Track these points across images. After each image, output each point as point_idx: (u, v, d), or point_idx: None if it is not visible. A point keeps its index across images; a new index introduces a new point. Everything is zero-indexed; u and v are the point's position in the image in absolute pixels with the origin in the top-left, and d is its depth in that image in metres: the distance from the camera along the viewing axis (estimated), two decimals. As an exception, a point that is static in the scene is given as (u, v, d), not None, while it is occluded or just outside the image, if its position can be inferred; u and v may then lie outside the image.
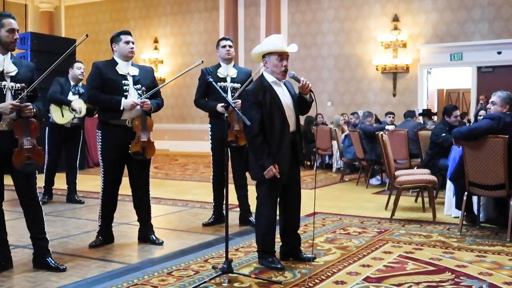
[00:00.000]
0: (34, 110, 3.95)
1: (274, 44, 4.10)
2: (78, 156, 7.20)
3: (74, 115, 6.77)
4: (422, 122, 10.87)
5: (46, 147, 6.91)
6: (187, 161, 14.23)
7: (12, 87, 3.92)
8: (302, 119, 4.51)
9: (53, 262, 4.07)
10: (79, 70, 6.93)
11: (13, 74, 3.95)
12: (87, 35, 4.36)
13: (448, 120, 7.02)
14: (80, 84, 6.98)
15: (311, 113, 4.60)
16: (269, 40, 4.20)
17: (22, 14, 19.10)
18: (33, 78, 4.08)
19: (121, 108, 4.65)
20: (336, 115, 13.14)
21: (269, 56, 4.10)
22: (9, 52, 4.01)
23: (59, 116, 6.79)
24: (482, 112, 8.09)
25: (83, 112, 6.81)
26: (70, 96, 6.80)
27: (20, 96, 3.89)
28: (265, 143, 4.01)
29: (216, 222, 5.67)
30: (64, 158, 7.23)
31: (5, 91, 3.89)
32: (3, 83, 3.90)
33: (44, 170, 6.89)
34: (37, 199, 4.09)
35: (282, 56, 4.08)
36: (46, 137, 6.92)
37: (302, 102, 4.18)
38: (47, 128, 6.91)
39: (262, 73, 4.20)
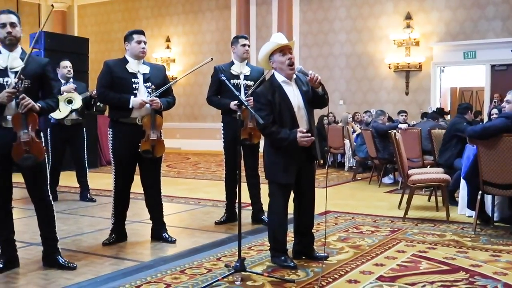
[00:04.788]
0: (39, 106, 3.87)
1: (270, 42, 4.15)
2: (85, 154, 7.17)
3: (71, 108, 6.75)
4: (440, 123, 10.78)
5: (49, 147, 6.79)
6: (199, 159, 14.25)
7: (16, 83, 3.85)
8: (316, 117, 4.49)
9: (63, 260, 4.07)
10: (66, 68, 6.95)
11: (17, 69, 3.88)
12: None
13: (465, 117, 7.29)
14: (71, 80, 6.99)
15: (323, 110, 4.57)
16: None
17: (35, 13, 19.19)
18: (43, 74, 4.02)
19: (130, 106, 4.65)
20: (344, 112, 13.09)
21: (273, 56, 4.13)
22: (18, 48, 3.96)
23: (56, 111, 6.80)
24: (494, 111, 8.03)
25: (77, 103, 6.79)
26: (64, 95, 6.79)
27: (13, 85, 3.79)
28: (279, 127, 4.00)
29: (228, 221, 5.67)
30: (70, 157, 7.23)
31: (7, 87, 3.83)
32: (5, 79, 3.87)
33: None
34: (46, 197, 4.03)
35: (284, 50, 4.09)
36: (48, 138, 6.85)
37: (315, 96, 4.16)
38: (48, 129, 6.86)
39: (273, 73, 4.22)
